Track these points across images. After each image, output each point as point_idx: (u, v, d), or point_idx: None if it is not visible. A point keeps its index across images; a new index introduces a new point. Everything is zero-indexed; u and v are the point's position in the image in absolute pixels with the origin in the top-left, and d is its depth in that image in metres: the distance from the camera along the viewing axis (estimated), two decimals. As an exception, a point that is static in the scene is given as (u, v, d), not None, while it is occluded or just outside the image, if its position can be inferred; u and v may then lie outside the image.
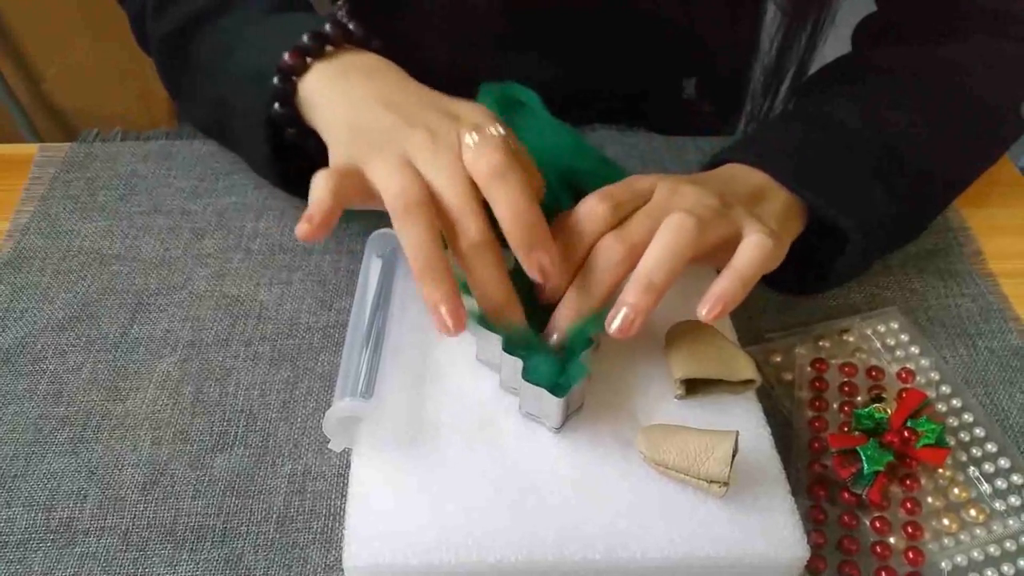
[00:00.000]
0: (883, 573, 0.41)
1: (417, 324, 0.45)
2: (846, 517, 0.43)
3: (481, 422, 0.41)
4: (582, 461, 0.40)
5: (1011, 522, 0.43)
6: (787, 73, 0.69)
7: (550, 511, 0.38)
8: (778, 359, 0.50)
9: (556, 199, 0.46)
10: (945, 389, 0.49)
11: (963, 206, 0.61)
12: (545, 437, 0.41)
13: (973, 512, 0.43)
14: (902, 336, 0.51)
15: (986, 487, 0.44)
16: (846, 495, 0.43)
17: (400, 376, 0.43)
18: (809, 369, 0.49)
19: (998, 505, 0.44)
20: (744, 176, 0.48)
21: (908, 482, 0.44)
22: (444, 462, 0.40)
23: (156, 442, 0.45)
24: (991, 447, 0.46)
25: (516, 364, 0.40)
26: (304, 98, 0.48)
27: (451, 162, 0.40)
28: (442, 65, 0.50)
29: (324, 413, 0.40)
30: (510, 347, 0.41)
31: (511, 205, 0.39)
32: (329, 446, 0.40)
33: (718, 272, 0.41)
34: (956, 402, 0.48)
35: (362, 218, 0.41)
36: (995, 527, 0.43)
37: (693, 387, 0.43)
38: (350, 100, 0.46)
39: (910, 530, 0.42)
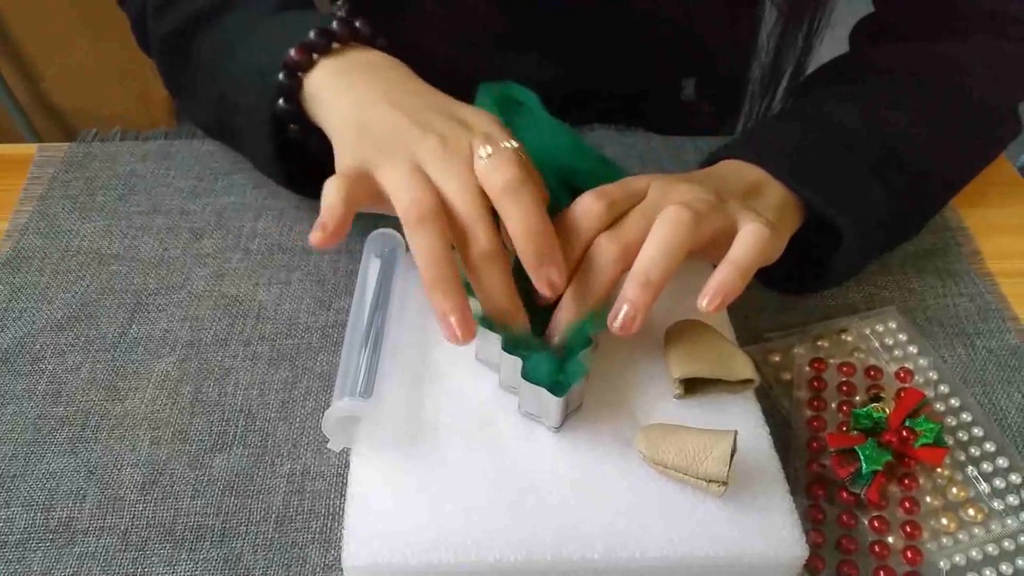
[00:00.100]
0: (881, 572, 0.41)
1: (416, 324, 0.45)
2: (844, 516, 0.43)
3: (480, 422, 0.41)
4: (581, 461, 0.40)
5: (1009, 521, 0.43)
6: (784, 73, 0.69)
7: (549, 511, 0.38)
8: (777, 359, 0.50)
9: (555, 199, 0.46)
10: (943, 388, 0.49)
11: (961, 206, 0.61)
12: (544, 437, 0.41)
13: (971, 511, 0.43)
14: (900, 336, 0.51)
15: (984, 486, 0.44)
16: (844, 494, 0.43)
17: (399, 376, 0.43)
18: (807, 369, 0.49)
19: (996, 504, 0.44)
20: (740, 172, 0.48)
21: (906, 481, 0.44)
22: (443, 462, 0.40)
23: (155, 442, 0.45)
24: (989, 446, 0.46)
25: (515, 363, 0.40)
26: (309, 95, 0.48)
27: (462, 171, 0.41)
28: (442, 65, 0.50)
29: (323, 413, 0.40)
30: (509, 346, 0.41)
31: (524, 221, 0.39)
32: (328, 446, 0.40)
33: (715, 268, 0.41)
34: (954, 401, 0.48)
35: (361, 218, 0.41)
36: (993, 526, 0.43)
37: (692, 387, 0.43)
38: (355, 97, 0.46)
39: (908, 529, 0.42)
